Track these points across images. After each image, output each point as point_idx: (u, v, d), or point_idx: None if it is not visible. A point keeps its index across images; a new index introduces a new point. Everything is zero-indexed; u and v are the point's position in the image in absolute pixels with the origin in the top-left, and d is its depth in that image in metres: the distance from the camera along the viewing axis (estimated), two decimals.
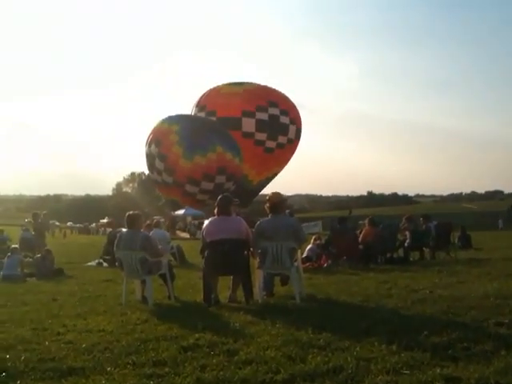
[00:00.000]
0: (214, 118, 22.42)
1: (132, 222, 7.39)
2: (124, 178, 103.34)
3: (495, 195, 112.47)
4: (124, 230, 7.92)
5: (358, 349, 4.14)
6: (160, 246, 7.86)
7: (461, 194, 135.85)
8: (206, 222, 7.64)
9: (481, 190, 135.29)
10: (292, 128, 24.26)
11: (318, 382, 3.43)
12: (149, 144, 18.75)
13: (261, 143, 23.14)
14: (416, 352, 3.96)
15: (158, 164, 18.38)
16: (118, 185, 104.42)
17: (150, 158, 18.85)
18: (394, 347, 4.11)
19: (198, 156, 17.90)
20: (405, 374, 3.53)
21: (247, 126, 22.85)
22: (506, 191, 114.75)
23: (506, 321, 4.96)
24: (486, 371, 3.48)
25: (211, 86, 24.92)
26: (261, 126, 23.04)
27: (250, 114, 22.93)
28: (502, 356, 3.83)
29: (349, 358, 3.86)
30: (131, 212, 7.57)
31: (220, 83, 25.14)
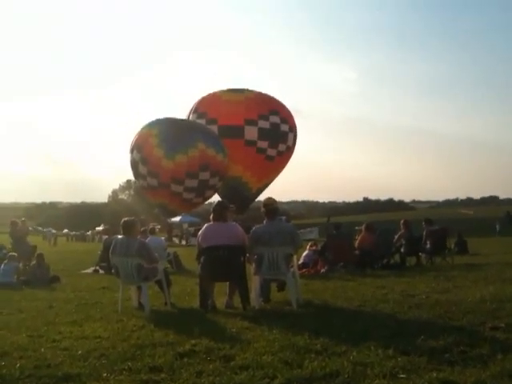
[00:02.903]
0: (215, 126, 22.52)
1: (128, 229, 7.37)
2: (120, 185, 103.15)
3: (491, 201, 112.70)
4: (120, 236, 7.90)
5: (354, 353, 4.14)
6: (156, 254, 7.84)
7: (456, 199, 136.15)
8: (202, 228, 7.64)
9: (476, 196, 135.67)
10: (290, 135, 24.50)
11: None
12: (131, 151, 18.84)
13: (262, 151, 23.31)
14: (413, 356, 3.96)
15: (142, 169, 18.48)
16: (114, 192, 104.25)
17: (134, 164, 18.96)
18: (391, 351, 4.10)
19: (180, 155, 17.98)
20: (401, 378, 3.53)
21: (250, 134, 23.01)
22: (502, 196, 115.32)
23: (503, 325, 4.98)
24: (483, 375, 3.49)
25: (209, 89, 25.06)
26: (263, 134, 23.22)
27: (253, 123, 23.09)
28: (499, 360, 3.83)
29: (345, 363, 3.86)
30: (127, 218, 7.54)
31: (220, 84, 25.34)
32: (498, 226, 36.10)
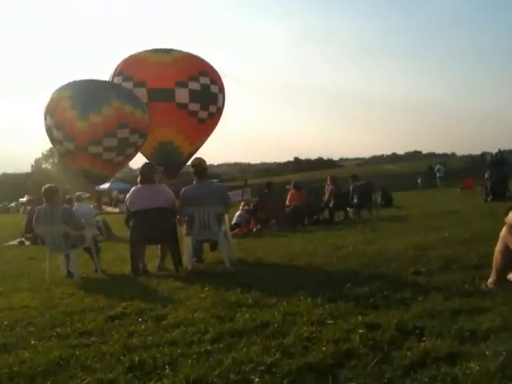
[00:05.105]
0: (143, 89, 21.84)
1: (49, 196, 7.09)
2: (43, 153, 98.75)
3: (414, 156, 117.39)
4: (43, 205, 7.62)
5: (284, 304, 4.24)
6: (82, 220, 7.63)
7: (382, 155, 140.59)
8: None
9: (401, 152, 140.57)
10: (220, 97, 24.26)
11: (246, 337, 3.48)
12: (44, 117, 18.09)
13: (194, 114, 22.97)
14: (339, 303, 4.10)
15: (57, 134, 17.83)
16: (37, 161, 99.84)
17: (49, 131, 18.24)
18: (319, 300, 4.22)
19: (94, 114, 17.37)
20: (328, 323, 3.65)
21: (181, 96, 22.52)
22: (425, 151, 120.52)
23: (424, 269, 5.24)
24: (405, 316, 3.65)
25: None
26: (194, 96, 22.82)
27: (183, 85, 22.59)
28: (419, 302, 4.03)
29: (276, 314, 3.94)
30: (47, 185, 7.26)
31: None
32: (419, 181, 37.78)
